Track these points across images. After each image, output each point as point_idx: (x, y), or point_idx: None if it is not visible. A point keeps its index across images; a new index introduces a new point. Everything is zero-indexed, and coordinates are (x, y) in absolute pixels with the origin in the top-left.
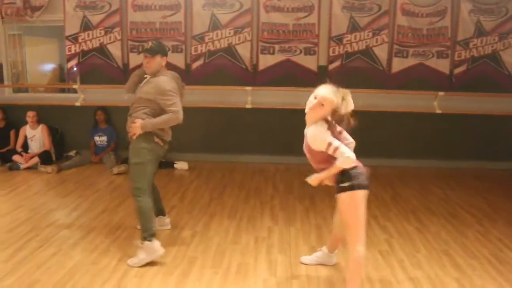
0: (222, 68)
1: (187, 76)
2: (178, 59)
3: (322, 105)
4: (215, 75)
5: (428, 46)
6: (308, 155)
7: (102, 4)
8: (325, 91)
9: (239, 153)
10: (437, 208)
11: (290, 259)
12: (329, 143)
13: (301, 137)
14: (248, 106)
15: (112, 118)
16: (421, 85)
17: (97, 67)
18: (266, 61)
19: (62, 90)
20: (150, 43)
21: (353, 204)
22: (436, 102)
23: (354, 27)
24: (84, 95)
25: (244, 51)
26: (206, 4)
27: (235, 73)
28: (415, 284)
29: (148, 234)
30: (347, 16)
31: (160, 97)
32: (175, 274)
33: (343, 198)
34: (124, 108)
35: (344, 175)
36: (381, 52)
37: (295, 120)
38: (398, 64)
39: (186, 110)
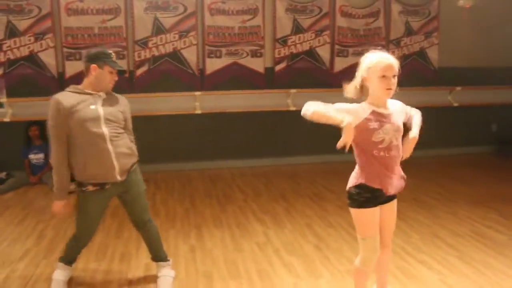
0: (168, 74)
1: (131, 84)
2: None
3: None
4: (161, 82)
5: (365, 45)
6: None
7: (30, 7)
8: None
9: (192, 160)
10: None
11: (304, 259)
12: None
13: (253, 139)
14: (198, 111)
15: (48, 133)
16: None
17: (27, 78)
18: (213, 65)
19: None
20: (114, 55)
21: None
22: None
23: (297, 29)
24: (13, 110)
25: (190, 55)
26: (148, 8)
27: (181, 78)
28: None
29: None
30: (291, 18)
31: (129, 116)
32: None
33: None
34: None
35: None
36: (324, 52)
37: (246, 122)
38: (340, 64)
39: (133, 119)
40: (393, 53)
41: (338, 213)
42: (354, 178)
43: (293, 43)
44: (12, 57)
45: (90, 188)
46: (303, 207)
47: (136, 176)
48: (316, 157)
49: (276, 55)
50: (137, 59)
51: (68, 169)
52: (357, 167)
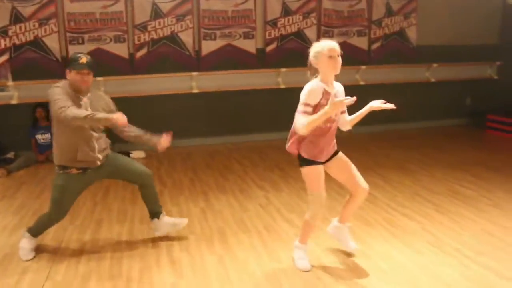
0: (166, 56)
1: (132, 66)
2: (121, 49)
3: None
4: (160, 63)
5: (349, 26)
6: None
7: None
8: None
9: (190, 137)
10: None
11: (302, 215)
12: None
13: (247, 116)
14: (194, 91)
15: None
16: (344, 61)
17: (32, 62)
18: (208, 46)
19: None
20: (84, 58)
21: None
22: (358, 75)
23: (286, 12)
24: (19, 93)
25: (187, 38)
26: None
27: (179, 60)
28: None
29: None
30: (280, 2)
31: (113, 108)
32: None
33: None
34: None
35: None
36: (310, 33)
37: (239, 100)
38: None
39: (134, 99)
40: (374, 33)
41: (329, 178)
42: (302, 149)
43: (282, 25)
44: (17, 42)
45: (74, 171)
46: (297, 174)
47: (113, 155)
48: None
49: (267, 37)
50: (137, 42)
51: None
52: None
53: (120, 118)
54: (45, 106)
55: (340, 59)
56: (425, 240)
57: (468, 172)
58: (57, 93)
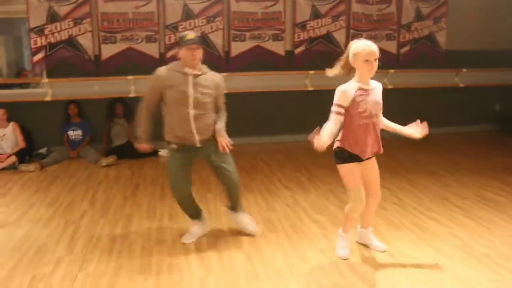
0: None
1: (162, 65)
2: (152, 49)
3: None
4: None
5: (378, 30)
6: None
7: None
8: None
9: None
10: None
11: (329, 216)
12: None
13: (274, 117)
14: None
15: (84, 111)
16: None
17: (66, 60)
18: (237, 48)
19: (19, 86)
20: (191, 33)
21: None
22: (386, 79)
23: (315, 14)
24: (53, 90)
25: (217, 39)
26: None
27: (209, 60)
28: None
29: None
30: (309, 4)
31: (221, 94)
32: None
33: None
34: (96, 101)
35: None
36: (340, 36)
37: (267, 101)
38: None
39: None
40: (404, 37)
41: None
42: (338, 142)
43: (312, 27)
44: (53, 40)
45: (174, 146)
46: (324, 176)
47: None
48: None
49: (296, 39)
50: (167, 42)
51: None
52: (342, 131)
53: (139, 147)
54: (77, 103)
55: (376, 63)
56: (453, 244)
57: (497, 179)
58: (149, 84)
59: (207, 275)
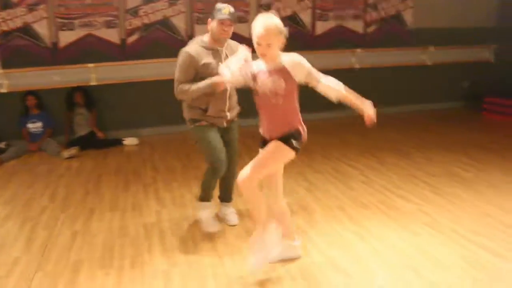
0: (158, 41)
1: (123, 51)
2: (112, 35)
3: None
4: (152, 49)
5: (345, 9)
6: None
7: None
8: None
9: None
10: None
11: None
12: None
13: None
14: None
15: (44, 102)
16: (340, 44)
17: (22, 49)
18: (201, 31)
19: None
20: (227, 8)
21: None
22: (354, 58)
23: None
24: (9, 81)
25: (179, 22)
26: None
27: (171, 45)
28: None
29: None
30: None
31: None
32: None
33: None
34: (56, 91)
35: (298, 134)
36: (306, 17)
37: None
38: (321, 27)
39: (128, 85)
40: (370, 16)
41: (323, 162)
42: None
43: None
44: (6, 28)
45: (204, 123)
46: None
47: (235, 125)
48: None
49: None
50: (128, 27)
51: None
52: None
53: (217, 80)
54: (35, 94)
55: (268, 47)
56: (422, 221)
57: (465, 155)
58: (178, 63)
59: (171, 268)
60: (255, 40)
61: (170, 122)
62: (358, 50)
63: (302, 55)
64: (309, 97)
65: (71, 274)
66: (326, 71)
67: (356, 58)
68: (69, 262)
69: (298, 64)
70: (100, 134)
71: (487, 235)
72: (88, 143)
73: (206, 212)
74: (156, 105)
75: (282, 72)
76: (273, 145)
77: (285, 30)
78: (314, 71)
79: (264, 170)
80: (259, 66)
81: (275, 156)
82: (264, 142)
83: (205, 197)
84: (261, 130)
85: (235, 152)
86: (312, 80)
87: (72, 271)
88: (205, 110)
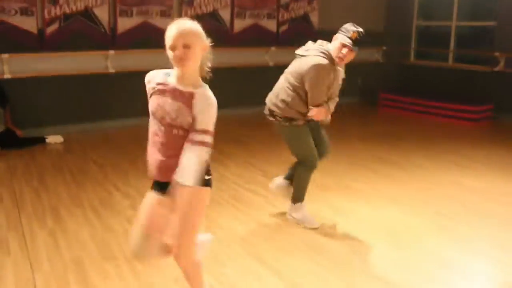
0: (80, 32)
1: (41, 42)
2: (28, 23)
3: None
4: (72, 40)
5: (260, 9)
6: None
7: None
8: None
9: (111, 119)
10: None
11: None
12: None
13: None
14: (111, 70)
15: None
16: (255, 43)
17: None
18: (124, 24)
19: None
20: (356, 33)
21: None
22: (267, 56)
23: None
24: None
25: (102, 13)
26: None
27: (93, 37)
28: None
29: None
30: None
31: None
32: None
33: (202, 193)
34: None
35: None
36: (225, 14)
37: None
38: (240, 24)
39: (47, 79)
40: (282, 16)
41: None
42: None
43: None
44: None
45: (300, 122)
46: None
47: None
48: None
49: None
50: (47, 16)
51: None
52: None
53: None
54: None
55: (187, 50)
56: (268, 212)
57: (360, 145)
58: (322, 80)
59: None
60: (168, 43)
61: (93, 119)
62: (272, 48)
63: (220, 51)
64: None
65: (75, 271)
66: (243, 68)
67: (270, 56)
68: (65, 260)
69: (208, 109)
70: (19, 132)
71: None
72: (6, 141)
73: (304, 211)
74: (78, 100)
75: (188, 100)
76: (187, 196)
77: (206, 38)
78: (206, 127)
79: (196, 231)
80: (167, 79)
81: (199, 207)
82: (159, 185)
83: (301, 197)
84: (150, 168)
85: (324, 134)
86: (193, 129)
87: (75, 268)
88: (304, 115)
